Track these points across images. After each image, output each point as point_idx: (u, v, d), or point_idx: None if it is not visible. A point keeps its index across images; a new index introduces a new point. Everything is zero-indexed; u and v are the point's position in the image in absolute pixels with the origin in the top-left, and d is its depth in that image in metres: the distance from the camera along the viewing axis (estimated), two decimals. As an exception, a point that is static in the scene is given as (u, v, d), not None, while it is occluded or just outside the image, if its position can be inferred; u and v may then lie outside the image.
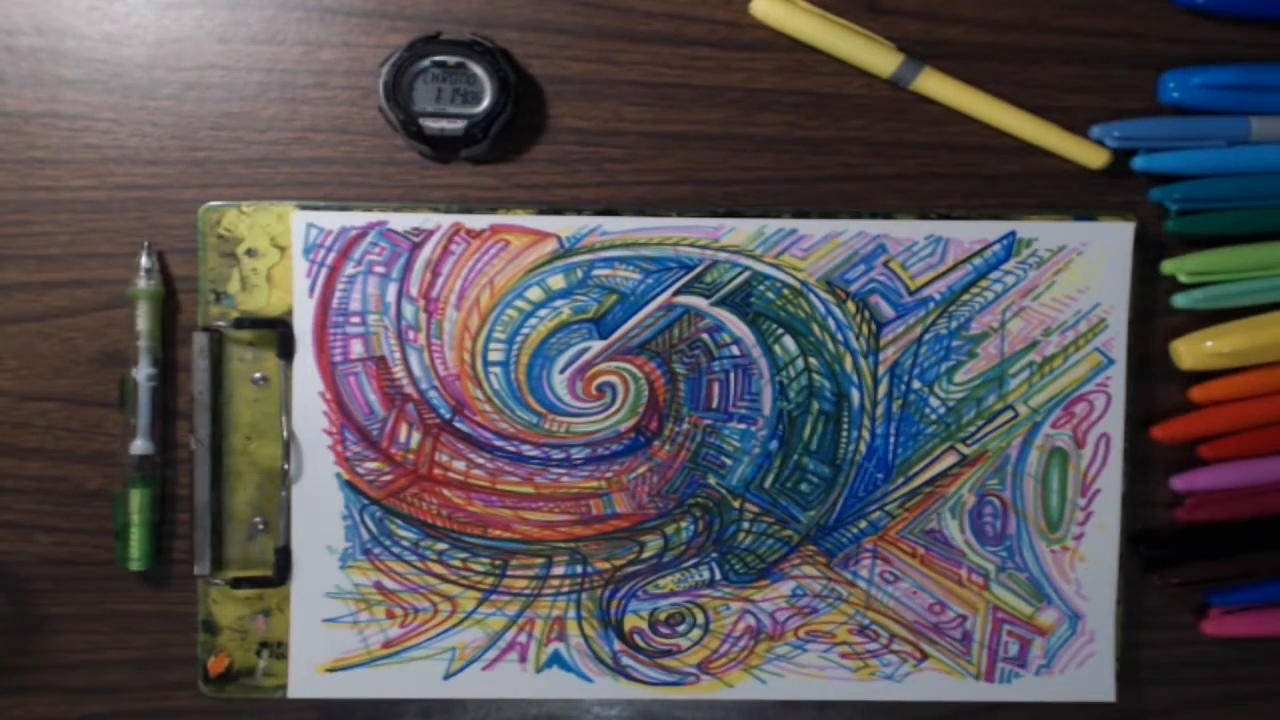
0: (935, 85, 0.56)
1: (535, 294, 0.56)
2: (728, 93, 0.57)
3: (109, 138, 0.56)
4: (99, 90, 0.56)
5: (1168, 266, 0.57)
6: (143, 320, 0.55)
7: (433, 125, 0.55)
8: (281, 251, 0.55)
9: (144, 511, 0.56)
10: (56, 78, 0.56)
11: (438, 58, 0.55)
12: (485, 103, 0.55)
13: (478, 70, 0.55)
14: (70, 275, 0.56)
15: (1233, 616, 0.59)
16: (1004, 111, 0.56)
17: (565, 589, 0.57)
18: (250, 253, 0.55)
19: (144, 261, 0.55)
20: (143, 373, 0.55)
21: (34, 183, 0.56)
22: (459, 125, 0.55)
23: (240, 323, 0.55)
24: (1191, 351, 0.57)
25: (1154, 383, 0.59)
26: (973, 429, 0.57)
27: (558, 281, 0.56)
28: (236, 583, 0.56)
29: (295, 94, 0.56)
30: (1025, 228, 0.56)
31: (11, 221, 0.56)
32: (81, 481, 0.57)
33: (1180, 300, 0.57)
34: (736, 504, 0.57)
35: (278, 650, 0.57)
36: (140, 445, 0.56)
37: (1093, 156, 0.56)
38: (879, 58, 0.56)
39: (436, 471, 0.56)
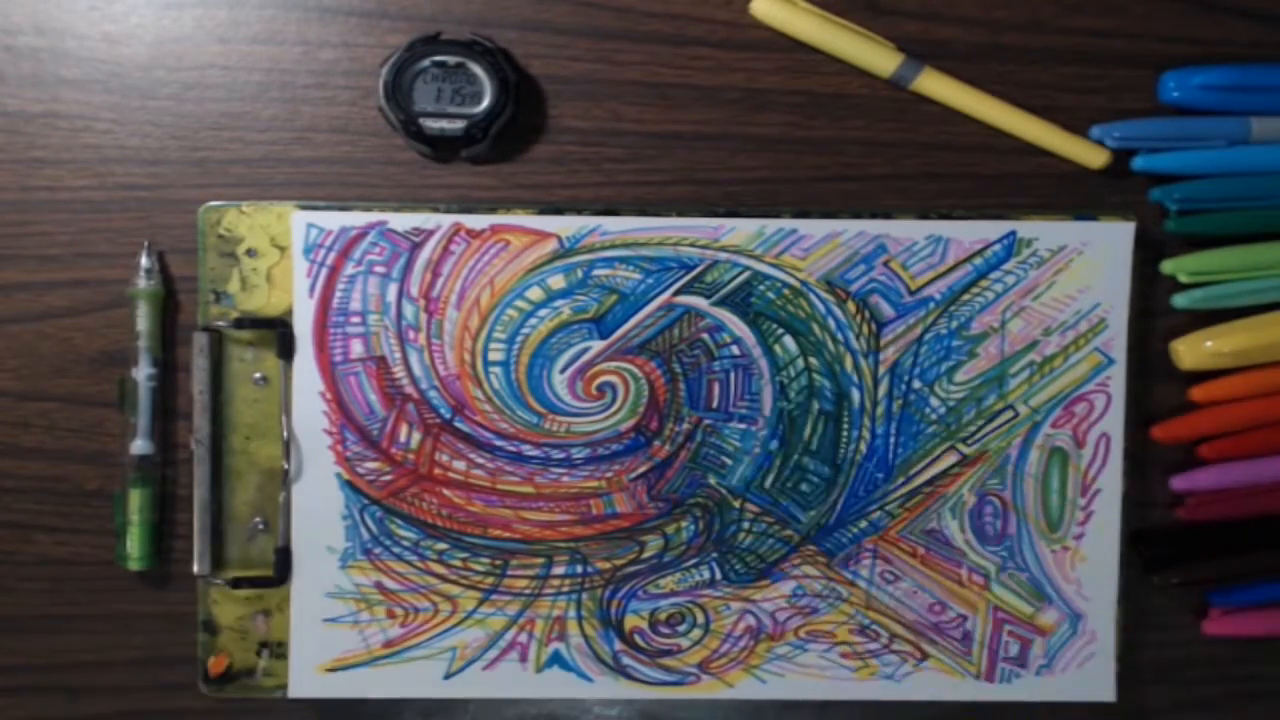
0: (935, 85, 0.56)
1: (535, 294, 0.56)
2: (728, 93, 0.57)
3: (109, 138, 0.56)
4: (99, 90, 0.56)
5: (1168, 266, 0.57)
6: (143, 320, 0.55)
7: (433, 125, 0.55)
8: (281, 251, 0.55)
9: (144, 511, 0.56)
10: (56, 78, 0.56)
11: (438, 58, 0.55)
12: (485, 103, 0.55)
13: (478, 70, 0.55)
14: (70, 275, 0.56)
15: (1233, 616, 0.59)
16: (1004, 111, 0.56)
17: (565, 589, 0.57)
18: (250, 253, 0.55)
19: (144, 261, 0.55)
20: (143, 373, 0.55)
21: (34, 183, 0.56)
22: (459, 125, 0.55)
23: (240, 323, 0.55)
24: (1191, 351, 0.57)
25: (1154, 383, 0.59)
26: (973, 429, 0.57)
27: (558, 281, 0.56)
28: (236, 583, 0.56)
29: (295, 94, 0.56)
30: (1025, 228, 0.56)
31: (11, 221, 0.56)
32: (81, 481, 0.57)
33: (1180, 300, 0.57)
34: (737, 504, 0.57)
35: (278, 650, 0.56)
36: (140, 445, 0.56)
37: (1093, 156, 0.56)
38: (879, 58, 0.56)
39: (437, 471, 0.56)
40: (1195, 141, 0.56)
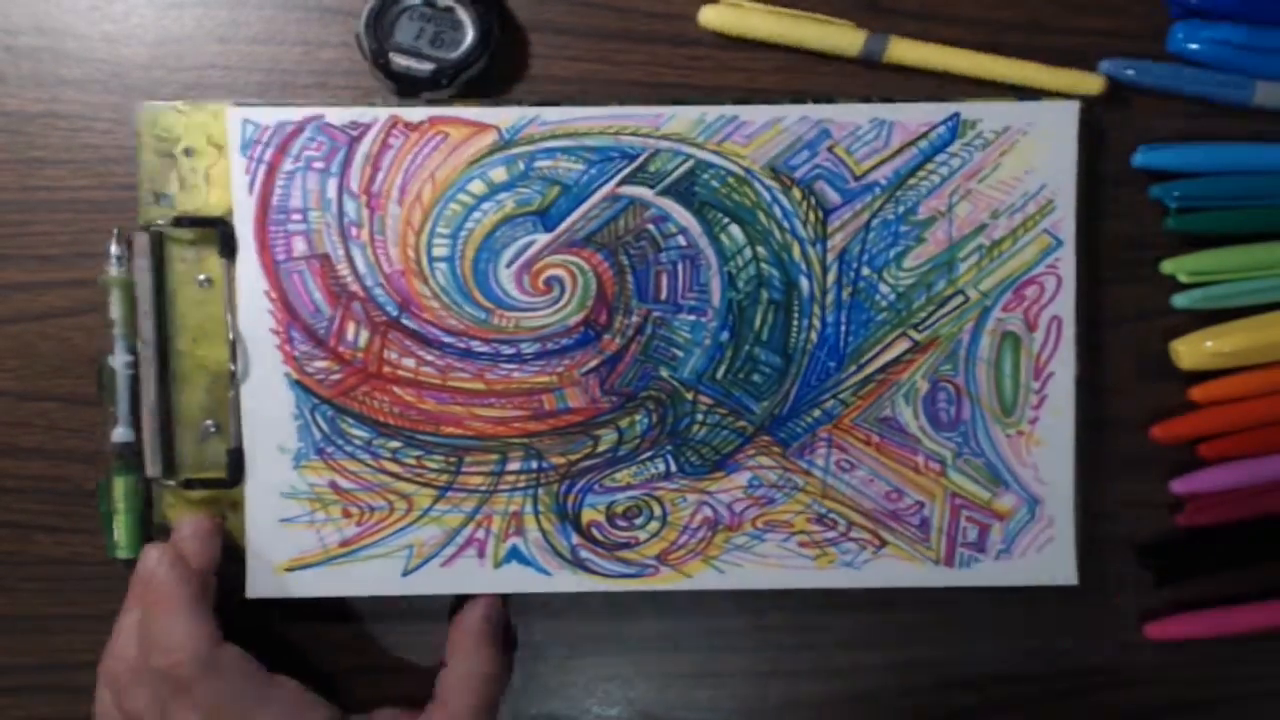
0: (907, 50, 0.56)
1: (477, 187, 0.55)
2: (728, 93, 0.57)
3: (109, 138, 0.56)
4: (99, 90, 0.56)
5: (1167, 266, 0.57)
6: (116, 307, 0.55)
7: (400, 62, 0.54)
8: (219, 150, 0.55)
9: (129, 499, 0.56)
10: (56, 78, 0.56)
11: None
12: (459, 50, 0.54)
13: (464, 17, 0.54)
14: (70, 275, 0.56)
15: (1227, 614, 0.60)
16: (987, 61, 0.56)
17: (521, 484, 0.57)
18: (188, 152, 0.55)
19: (114, 249, 0.55)
20: (120, 360, 0.55)
21: (34, 183, 0.56)
22: (427, 67, 0.54)
23: (180, 221, 0.55)
24: (1191, 351, 0.57)
25: (1154, 382, 0.59)
26: (923, 315, 0.57)
27: (499, 174, 0.55)
28: (188, 484, 0.56)
29: (295, 94, 0.56)
30: (969, 109, 0.56)
31: (11, 221, 0.56)
32: (81, 481, 0.57)
33: (1180, 300, 0.57)
34: (689, 396, 0.57)
35: (233, 554, 0.57)
36: (121, 433, 0.56)
37: (1089, 83, 0.56)
38: (843, 38, 0.55)
39: (386, 370, 0.56)
40: (1198, 88, 0.56)
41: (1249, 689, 0.61)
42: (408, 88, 0.55)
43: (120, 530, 0.56)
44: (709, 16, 0.56)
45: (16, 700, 0.59)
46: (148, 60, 0.56)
